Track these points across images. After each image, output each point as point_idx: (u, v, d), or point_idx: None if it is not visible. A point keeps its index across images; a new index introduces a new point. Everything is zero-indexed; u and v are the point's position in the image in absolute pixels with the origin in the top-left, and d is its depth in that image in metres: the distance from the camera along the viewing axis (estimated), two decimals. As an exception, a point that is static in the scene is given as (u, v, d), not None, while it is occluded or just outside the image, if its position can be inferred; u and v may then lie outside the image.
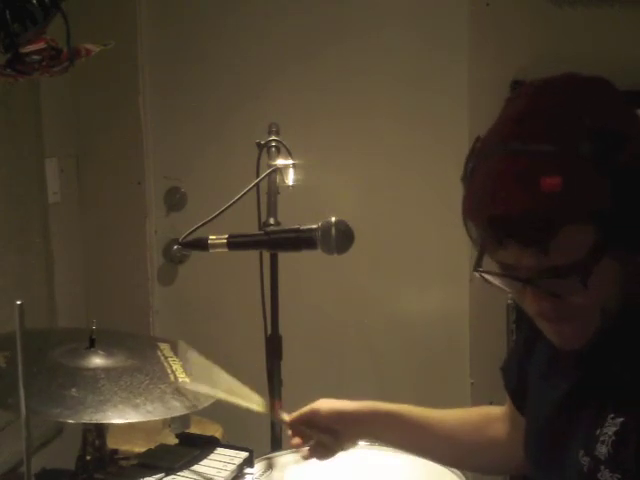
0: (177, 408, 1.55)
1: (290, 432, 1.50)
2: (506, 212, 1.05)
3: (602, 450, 1.13)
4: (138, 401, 1.52)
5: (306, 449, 1.49)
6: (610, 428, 1.13)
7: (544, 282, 1.10)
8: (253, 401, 1.49)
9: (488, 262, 1.17)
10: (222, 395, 1.47)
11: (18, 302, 1.01)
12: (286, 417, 1.50)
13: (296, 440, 1.49)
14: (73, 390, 1.50)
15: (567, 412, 1.23)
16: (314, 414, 1.49)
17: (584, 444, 1.16)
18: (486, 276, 1.15)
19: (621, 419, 1.12)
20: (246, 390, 1.50)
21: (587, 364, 1.21)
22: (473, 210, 1.12)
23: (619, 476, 1.10)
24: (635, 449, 1.10)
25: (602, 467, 1.12)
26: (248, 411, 1.48)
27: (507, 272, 1.13)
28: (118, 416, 1.48)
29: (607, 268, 1.08)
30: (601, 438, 1.13)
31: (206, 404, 1.58)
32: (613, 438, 1.12)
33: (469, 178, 1.16)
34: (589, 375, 1.21)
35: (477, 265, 1.15)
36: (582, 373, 1.22)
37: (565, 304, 1.12)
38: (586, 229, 1.05)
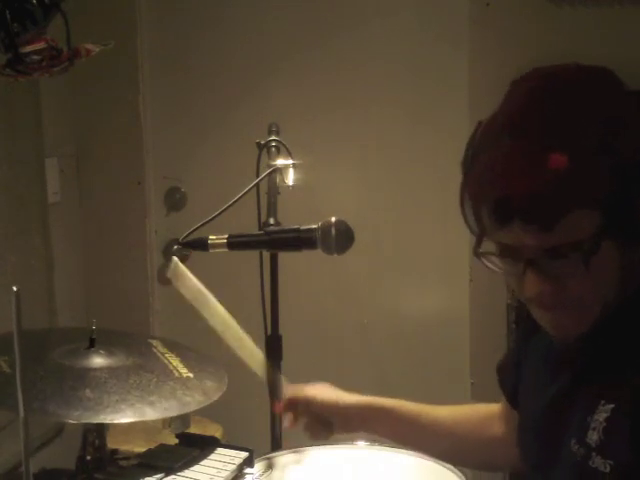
0: (190, 404, 1.56)
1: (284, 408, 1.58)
2: (513, 191, 1.07)
3: (593, 437, 1.13)
4: (152, 399, 1.52)
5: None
6: (601, 415, 1.13)
7: (546, 263, 1.10)
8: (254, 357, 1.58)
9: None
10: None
11: (14, 288, 0.98)
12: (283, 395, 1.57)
13: (287, 421, 1.57)
14: (87, 391, 1.50)
15: (563, 406, 1.22)
16: (309, 401, 1.54)
17: (577, 433, 1.16)
18: (486, 261, 1.15)
19: (611, 405, 1.12)
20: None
21: (583, 357, 1.21)
22: (478, 192, 1.13)
23: (611, 462, 1.10)
24: (626, 435, 1.09)
25: (593, 454, 1.12)
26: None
27: (509, 253, 1.13)
28: (138, 414, 1.48)
29: (607, 257, 1.09)
30: (592, 425, 1.13)
31: (215, 397, 1.59)
32: (604, 425, 1.12)
33: (472, 162, 1.16)
34: (585, 368, 1.21)
35: (477, 248, 1.15)
36: (578, 367, 1.22)
37: (564, 290, 1.12)
38: (589, 212, 1.07)
